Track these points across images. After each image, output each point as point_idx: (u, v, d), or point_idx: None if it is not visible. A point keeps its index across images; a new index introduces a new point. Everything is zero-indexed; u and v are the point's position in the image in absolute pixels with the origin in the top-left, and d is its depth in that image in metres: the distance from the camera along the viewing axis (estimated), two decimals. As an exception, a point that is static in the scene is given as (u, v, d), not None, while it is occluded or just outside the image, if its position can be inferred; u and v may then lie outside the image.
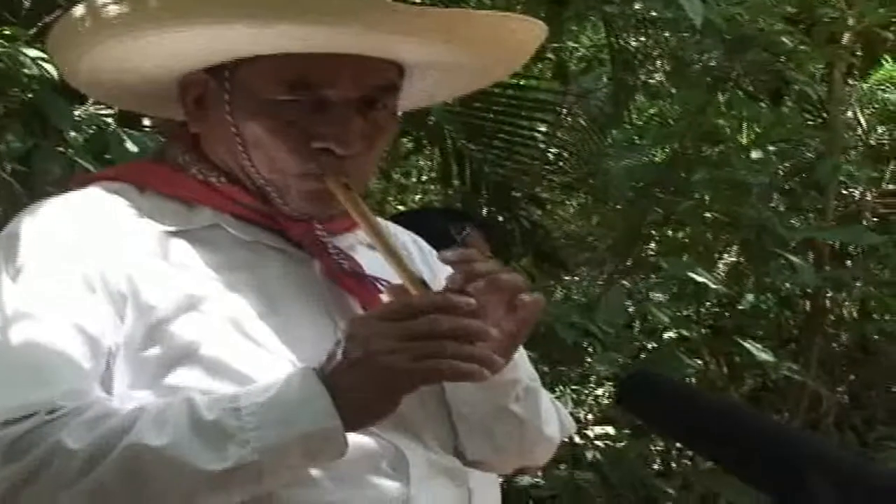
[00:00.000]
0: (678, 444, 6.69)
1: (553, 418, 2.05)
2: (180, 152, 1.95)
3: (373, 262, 1.91)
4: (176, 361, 1.73)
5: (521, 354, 1.91)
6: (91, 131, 3.90)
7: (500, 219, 6.02)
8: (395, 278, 1.82)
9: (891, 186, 7.57)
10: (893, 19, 6.26)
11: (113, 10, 1.84)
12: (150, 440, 1.61)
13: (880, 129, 7.88)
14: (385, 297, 1.83)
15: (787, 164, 7.22)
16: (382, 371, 1.63)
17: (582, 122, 6.80)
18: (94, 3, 1.88)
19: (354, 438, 1.69)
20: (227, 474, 1.61)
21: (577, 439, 6.60)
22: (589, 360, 7.05)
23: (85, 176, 2.08)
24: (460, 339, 1.64)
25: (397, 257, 1.80)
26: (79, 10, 1.90)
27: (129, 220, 1.85)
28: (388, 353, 1.62)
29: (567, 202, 7.89)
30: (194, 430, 1.62)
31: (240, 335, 1.76)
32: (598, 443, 6.46)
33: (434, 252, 2.07)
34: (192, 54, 1.87)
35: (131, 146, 3.71)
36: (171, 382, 1.72)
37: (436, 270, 1.99)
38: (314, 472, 1.71)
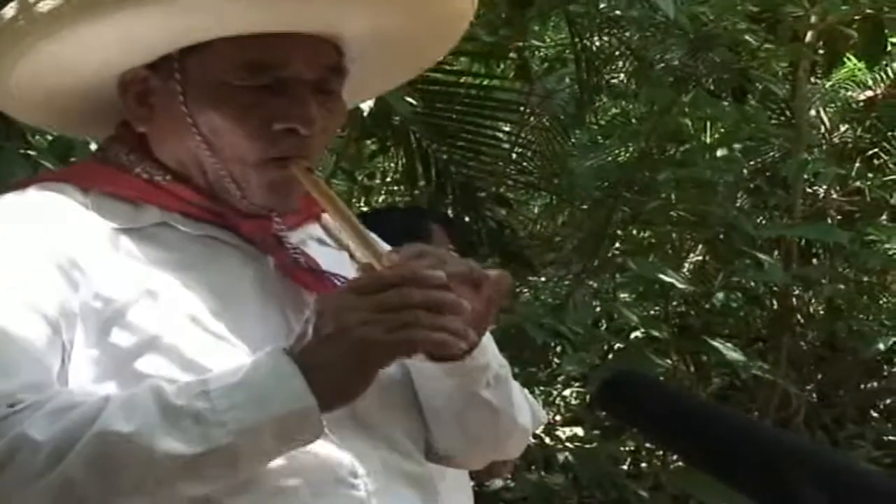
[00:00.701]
0: (651, 445, 6.68)
1: (525, 408, 2.00)
2: (124, 152, 1.89)
3: (327, 258, 1.87)
4: (139, 351, 1.68)
5: (490, 340, 1.84)
6: (55, 133, 3.86)
7: (467, 219, 5.99)
8: (351, 274, 1.79)
9: (856, 184, 7.59)
10: (856, 17, 6.24)
11: (46, 4, 1.78)
12: (119, 427, 1.55)
13: (843, 128, 7.90)
14: None
15: (752, 163, 7.22)
16: (356, 344, 1.58)
17: (545, 121, 6.78)
18: (24, 1, 1.81)
19: (311, 446, 1.65)
20: (200, 458, 1.56)
21: (547, 440, 6.59)
22: (557, 360, 7.07)
23: (26, 179, 2.00)
24: (433, 311, 1.60)
25: (364, 237, 1.76)
26: (8, 10, 1.83)
27: (77, 216, 1.80)
28: (361, 325, 1.58)
29: (531, 202, 7.87)
30: (164, 415, 1.57)
31: (198, 328, 1.72)
32: (568, 444, 6.43)
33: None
34: (135, 46, 1.82)
35: (94, 147, 3.66)
36: (137, 370, 1.67)
37: None
38: (267, 481, 1.66)
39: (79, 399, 1.62)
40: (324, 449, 1.68)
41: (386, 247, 1.86)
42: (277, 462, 1.64)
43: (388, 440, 1.80)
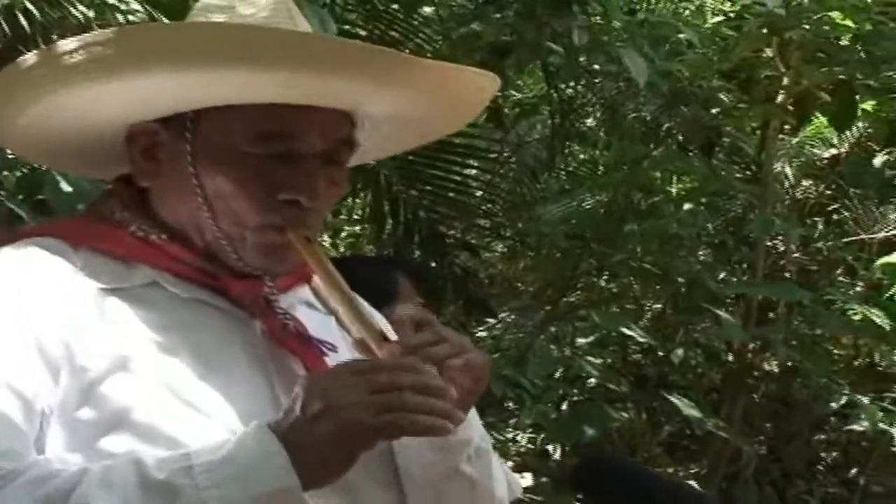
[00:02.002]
0: None
1: (502, 479, 2.00)
2: (118, 209, 1.87)
3: (314, 323, 1.87)
4: (108, 426, 1.65)
5: (473, 413, 1.86)
6: (24, 170, 3.75)
7: (433, 265, 5.94)
8: (339, 341, 1.81)
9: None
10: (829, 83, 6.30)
11: (70, 58, 1.75)
12: (97, 501, 1.53)
13: (805, 183, 7.93)
14: (328, 360, 1.80)
15: (718, 218, 7.24)
16: (342, 425, 1.57)
17: (515, 167, 6.75)
18: (47, 52, 1.81)
19: None
20: None
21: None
22: (511, 404, 7.03)
23: (15, 232, 1.97)
24: (421, 393, 1.61)
25: (359, 312, 1.77)
26: (29, 59, 1.82)
27: (63, 278, 1.76)
28: (348, 406, 1.57)
29: (493, 246, 7.85)
30: (144, 490, 1.54)
31: (173, 398, 1.69)
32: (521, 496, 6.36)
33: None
34: (151, 104, 1.80)
35: (66, 186, 3.58)
36: (103, 448, 1.64)
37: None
38: None
39: (56, 469, 1.58)
40: None
41: (378, 318, 1.87)
42: None
43: (369, 503, 1.80)
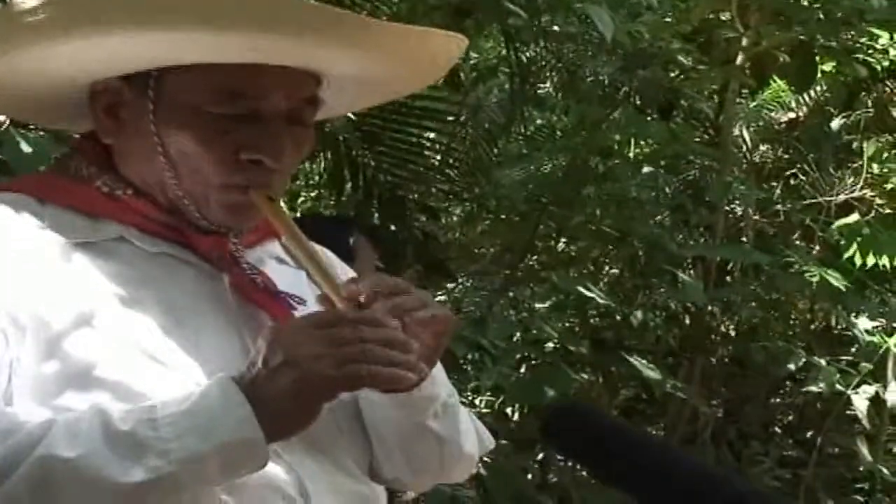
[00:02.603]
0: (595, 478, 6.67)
1: (472, 434, 1.98)
2: (84, 165, 1.86)
3: (283, 278, 1.87)
4: (73, 380, 1.64)
5: (439, 369, 1.85)
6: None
7: (393, 228, 5.91)
8: (308, 295, 1.81)
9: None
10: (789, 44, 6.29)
11: (34, 14, 1.73)
12: (62, 452, 1.54)
13: (763, 147, 7.94)
14: (297, 314, 1.80)
15: (676, 180, 7.24)
16: (304, 377, 1.58)
17: (472, 131, 6.72)
18: (10, 8, 1.78)
19: None
20: (144, 487, 1.54)
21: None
22: (470, 368, 7.03)
23: None
24: (384, 346, 1.62)
25: (323, 269, 1.76)
26: None
27: (30, 232, 1.76)
28: (311, 358, 1.58)
29: (451, 210, 7.84)
30: (108, 442, 1.55)
31: (139, 353, 1.68)
32: (482, 457, 6.37)
33: (341, 263, 2.03)
34: (114, 62, 1.78)
35: (25, 147, 3.54)
36: (68, 402, 1.63)
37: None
38: (217, 499, 1.64)
39: (23, 420, 1.58)
40: (272, 468, 1.67)
41: (342, 270, 1.89)
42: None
43: (336, 462, 1.80)
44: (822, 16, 6.10)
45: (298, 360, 1.59)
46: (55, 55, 1.76)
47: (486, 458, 6.43)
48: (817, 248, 7.52)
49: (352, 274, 1.89)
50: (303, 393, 1.60)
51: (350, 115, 5.52)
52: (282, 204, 1.85)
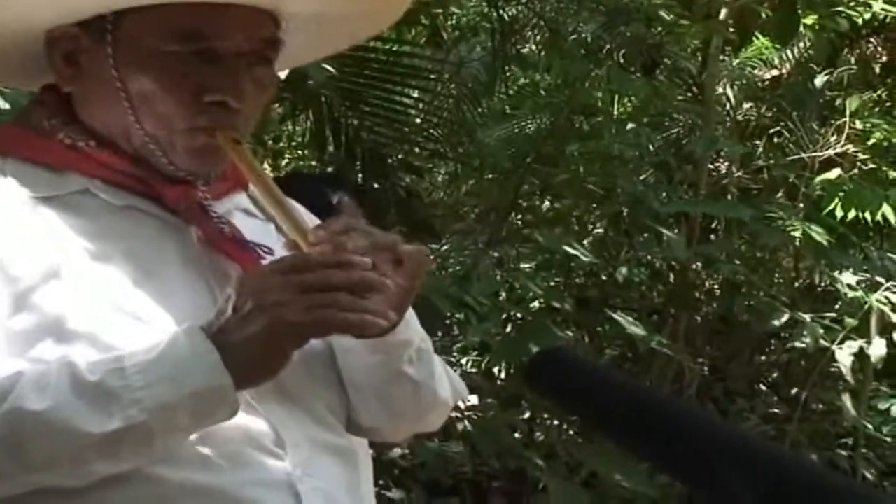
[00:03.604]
0: (575, 421, 6.68)
1: (445, 380, 1.99)
2: (45, 117, 1.85)
3: (253, 229, 1.87)
4: (43, 334, 1.64)
5: (412, 315, 1.85)
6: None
7: (376, 186, 5.90)
8: (276, 245, 1.80)
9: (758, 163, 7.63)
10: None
11: None
12: (31, 405, 1.54)
13: (746, 105, 7.93)
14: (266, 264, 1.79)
15: (660, 138, 7.23)
16: (273, 323, 1.59)
17: (453, 89, 6.70)
18: None
19: (236, 419, 1.64)
20: (115, 436, 1.55)
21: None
22: (457, 330, 7.03)
23: None
24: (355, 293, 1.61)
25: (289, 212, 1.76)
26: None
27: None
28: (280, 304, 1.59)
29: (435, 170, 7.82)
30: (77, 392, 1.55)
31: (109, 305, 1.68)
32: (469, 414, 6.39)
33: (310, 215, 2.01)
34: (67, 5, 1.77)
35: (2, 103, 3.51)
36: (38, 355, 1.63)
37: None
38: (193, 451, 1.65)
39: None
40: (248, 420, 1.68)
41: (310, 219, 1.85)
42: (198, 432, 1.62)
43: (312, 412, 1.79)
44: (803, -33, 6.08)
45: (266, 306, 1.59)
46: (6, 4, 1.75)
47: (472, 416, 6.48)
48: (801, 205, 7.51)
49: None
50: (272, 339, 1.60)
51: (332, 72, 5.51)
52: (247, 148, 1.84)
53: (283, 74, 4.16)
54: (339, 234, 1.68)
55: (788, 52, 7.40)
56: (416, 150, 6.62)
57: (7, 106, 3.50)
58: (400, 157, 6.24)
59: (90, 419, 1.55)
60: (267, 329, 1.59)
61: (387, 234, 1.74)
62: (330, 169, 6.09)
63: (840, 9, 6.56)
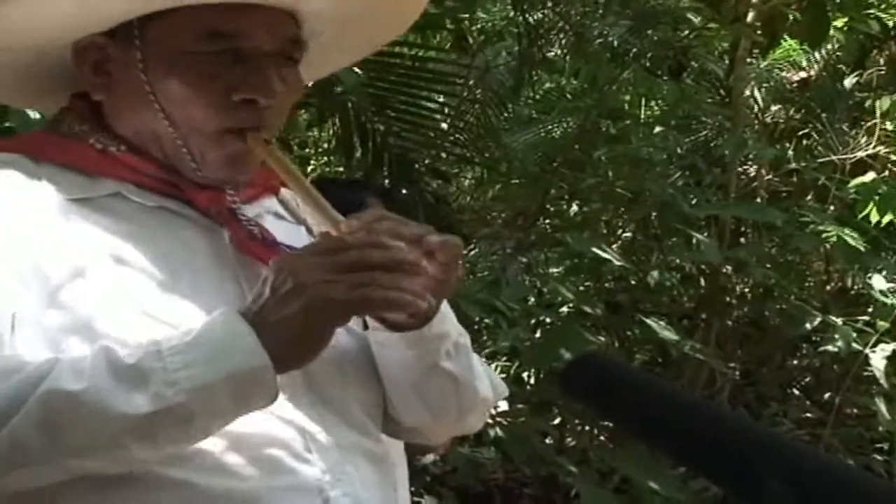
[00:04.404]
0: (610, 426, 6.66)
1: (485, 378, 1.97)
2: (76, 123, 1.86)
3: (283, 232, 1.87)
4: (69, 332, 1.63)
5: (448, 309, 1.84)
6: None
7: (404, 192, 5.90)
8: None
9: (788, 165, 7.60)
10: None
11: None
12: (68, 386, 1.53)
13: (774, 108, 7.90)
14: None
15: (688, 141, 7.21)
16: (312, 301, 1.58)
17: (480, 95, 6.70)
18: None
19: (266, 423, 1.64)
20: (153, 418, 1.54)
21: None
22: (486, 335, 7.02)
23: None
24: (392, 272, 1.60)
25: (322, 206, 1.75)
26: None
27: (28, 190, 1.75)
28: (319, 283, 1.58)
29: (462, 175, 7.82)
30: (114, 374, 1.54)
31: (138, 307, 1.67)
32: (499, 420, 6.37)
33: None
34: (93, 13, 1.77)
35: (33, 113, 3.53)
36: (69, 350, 1.62)
37: None
38: (220, 457, 1.63)
39: (26, 360, 1.57)
40: (277, 424, 1.67)
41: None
42: (228, 437, 1.61)
43: (345, 415, 1.78)
44: (833, -30, 6.06)
45: (307, 285, 1.58)
46: (26, 12, 1.75)
47: (503, 422, 6.47)
48: (832, 207, 7.47)
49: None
50: (311, 318, 1.59)
51: (358, 75, 5.51)
52: (277, 148, 1.84)
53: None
54: (372, 223, 1.68)
55: (816, 53, 7.35)
56: (443, 155, 6.63)
57: (38, 116, 3.53)
58: (427, 162, 6.25)
59: (127, 400, 1.53)
60: (306, 308, 1.58)
61: (420, 224, 1.73)
62: (357, 175, 6.08)
63: (870, 11, 6.52)
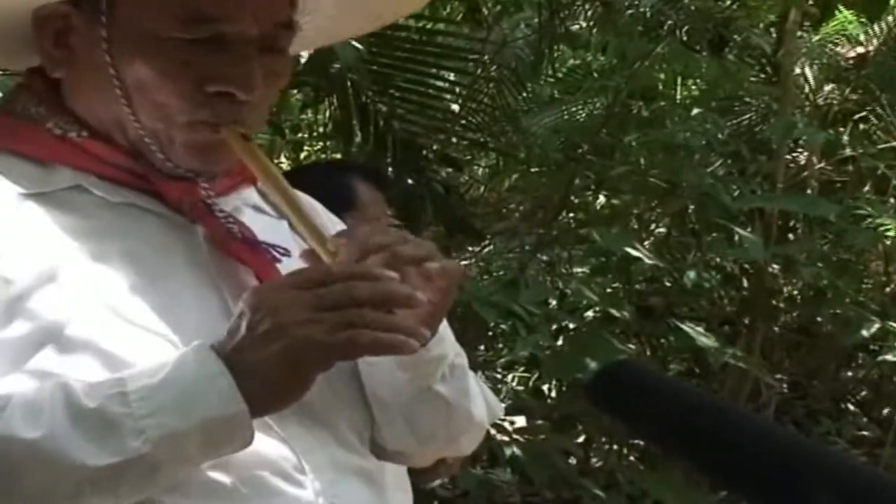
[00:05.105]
0: (644, 443, 6.65)
1: (480, 399, 1.95)
2: (32, 104, 1.81)
3: (265, 227, 1.83)
4: (39, 343, 1.60)
5: (445, 327, 1.82)
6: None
7: (409, 181, 5.83)
8: (292, 245, 1.78)
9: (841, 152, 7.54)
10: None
11: None
12: (22, 433, 1.51)
13: (827, 88, 7.86)
14: (281, 267, 1.76)
15: (730, 125, 7.16)
16: (293, 344, 1.54)
17: (495, 73, 6.64)
18: None
19: (255, 443, 1.60)
20: (115, 469, 1.52)
21: (492, 432, 6.50)
22: (502, 342, 6.99)
23: None
24: (381, 308, 1.57)
25: (306, 218, 1.72)
26: None
27: None
28: (301, 323, 1.54)
29: (476, 163, 7.79)
30: (73, 420, 1.52)
31: (111, 312, 1.64)
32: (516, 437, 6.34)
33: (328, 213, 2.00)
34: None
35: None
36: (34, 367, 1.59)
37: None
38: (207, 478, 1.61)
39: None
40: (266, 444, 1.65)
41: (328, 217, 1.86)
42: (216, 459, 1.60)
43: (335, 433, 1.77)
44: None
45: (286, 326, 1.55)
46: None
47: (521, 439, 6.42)
48: (892, 199, 7.44)
49: (342, 226, 1.86)
50: (293, 362, 1.57)
51: (359, 50, 5.45)
52: (256, 144, 1.80)
53: (303, 55, 4.07)
54: (361, 241, 1.65)
55: (875, 27, 7.29)
56: (454, 140, 6.57)
57: None
58: (435, 148, 6.19)
59: (88, 450, 1.51)
60: (286, 351, 1.55)
61: (418, 240, 1.70)
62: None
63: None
